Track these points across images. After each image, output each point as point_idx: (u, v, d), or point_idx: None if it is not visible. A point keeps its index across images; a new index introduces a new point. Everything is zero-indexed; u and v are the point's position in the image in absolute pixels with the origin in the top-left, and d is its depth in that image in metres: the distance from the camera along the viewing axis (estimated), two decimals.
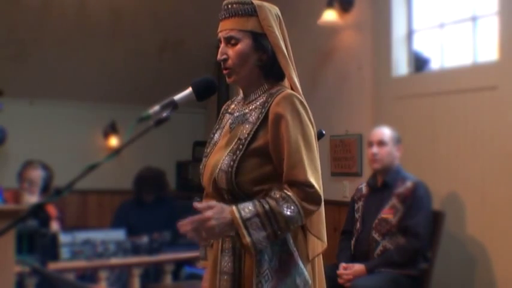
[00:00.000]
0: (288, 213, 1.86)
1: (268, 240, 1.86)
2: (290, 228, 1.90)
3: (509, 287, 3.89)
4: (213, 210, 1.84)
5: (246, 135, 1.95)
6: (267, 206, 1.85)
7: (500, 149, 3.94)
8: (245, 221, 1.83)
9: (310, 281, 1.99)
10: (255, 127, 1.95)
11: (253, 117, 1.98)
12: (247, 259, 1.94)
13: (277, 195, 1.88)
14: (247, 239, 1.83)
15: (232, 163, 1.92)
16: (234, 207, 1.85)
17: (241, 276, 1.95)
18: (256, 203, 1.87)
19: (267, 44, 1.99)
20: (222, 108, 2.19)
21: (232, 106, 2.14)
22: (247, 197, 1.93)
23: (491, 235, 3.99)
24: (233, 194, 1.94)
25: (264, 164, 1.94)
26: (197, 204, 1.85)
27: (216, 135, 2.10)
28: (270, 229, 1.85)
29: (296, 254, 1.97)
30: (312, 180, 1.89)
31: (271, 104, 1.95)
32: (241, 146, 1.94)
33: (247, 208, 1.85)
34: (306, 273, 1.98)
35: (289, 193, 1.88)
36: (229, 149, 1.96)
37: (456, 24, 4.44)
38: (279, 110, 1.93)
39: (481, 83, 4.09)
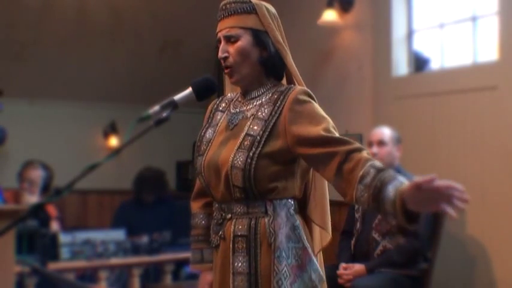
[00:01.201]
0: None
1: None
2: None
3: (509, 287, 3.90)
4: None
5: (261, 132, 1.93)
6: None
7: (500, 149, 3.94)
8: None
9: (324, 278, 2.00)
10: (271, 124, 1.93)
11: (264, 114, 1.96)
12: (263, 258, 1.93)
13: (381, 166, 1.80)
14: None
15: (250, 160, 1.89)
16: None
17: (257, 275, 1.93)
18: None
19: (268, 40, 1.99)
20: (210, 107, 2.16)
21: (223, 104, 2.12)
22: (260, 194, 1.92)
23: (491, 235, 3.99)
24: (246, 191, 1.92)
25: (278, 162, 1.93)
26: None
27: (208, 133, 2.07)
28: None
29: (310, 249, 1.98)
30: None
31: (286, 101, 1.94)
32: (256, 143, 1.91)
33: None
34: (320, 269, 1.99)
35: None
36: (237, 145, 1.93)
37: (456, 24, 4.44)
38: (298, 108, 1.92)
39: (481, 83, 4.09)
